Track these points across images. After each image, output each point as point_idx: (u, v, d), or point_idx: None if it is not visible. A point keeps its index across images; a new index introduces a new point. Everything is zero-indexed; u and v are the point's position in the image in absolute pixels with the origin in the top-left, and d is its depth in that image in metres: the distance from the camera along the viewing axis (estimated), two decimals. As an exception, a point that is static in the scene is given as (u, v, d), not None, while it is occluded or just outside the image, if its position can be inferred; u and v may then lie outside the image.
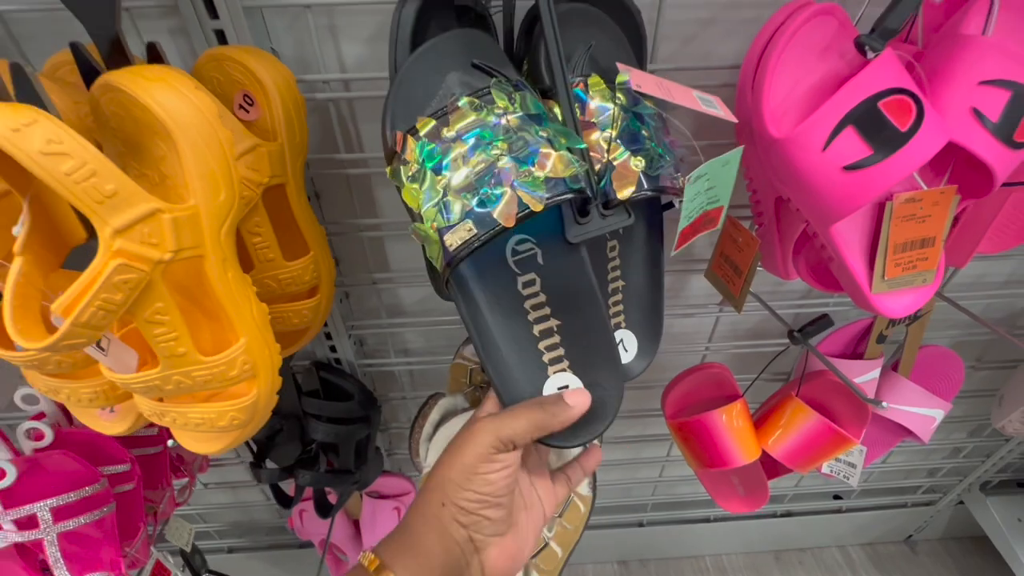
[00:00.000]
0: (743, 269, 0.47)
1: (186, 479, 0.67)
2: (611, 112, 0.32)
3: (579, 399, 0.31)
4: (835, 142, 0.33)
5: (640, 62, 0.39)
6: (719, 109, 0.32)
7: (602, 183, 0.30)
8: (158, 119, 0.27)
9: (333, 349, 0.62)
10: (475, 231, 0.27)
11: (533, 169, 0.27)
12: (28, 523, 0.49)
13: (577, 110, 0.31)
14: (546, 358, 0.34)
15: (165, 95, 0.27)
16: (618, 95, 0.32)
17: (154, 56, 0.35)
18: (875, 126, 0.33)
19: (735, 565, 1.08)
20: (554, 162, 0.27)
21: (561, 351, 0.34)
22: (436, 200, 0.28)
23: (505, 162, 0.27)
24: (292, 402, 0.58)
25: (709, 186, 0.33)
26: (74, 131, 0.25)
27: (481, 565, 0.31)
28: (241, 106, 0.38)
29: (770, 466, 0.62)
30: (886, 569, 1.07)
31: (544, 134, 0.29)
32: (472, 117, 0.28)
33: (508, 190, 0.27)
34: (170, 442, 0.61)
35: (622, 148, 0.31)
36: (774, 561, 1.09)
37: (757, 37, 0.38)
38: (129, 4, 0.40)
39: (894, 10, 0.33)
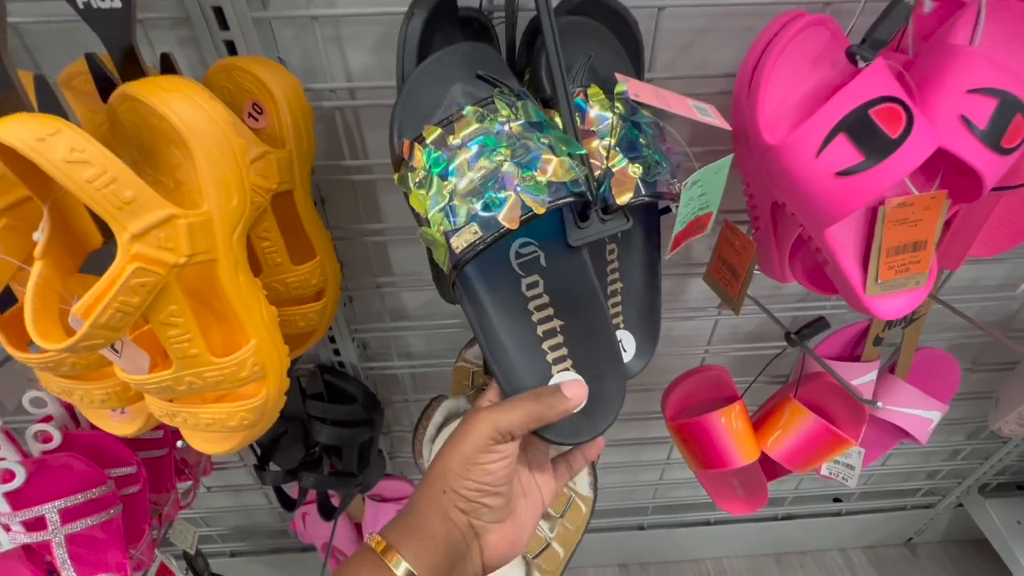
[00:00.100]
0: (740, 272, 0.48)
1: (190, 482, 0.68)
2: (610, 121, 0.33)
3: (576, 390, 0.32)
4: (828, 149, 0.35)
5: (638, 71, 0.40)
6: (713, 117, 0.33)
7: (602, 189, 0.31)
8: (174, 128, 0.28)
9: (337, 352, 0.62)
10: (480, 234, 0.28)
11: (535, 174, 0.28)
12: (36, 524, 0.50)
13: (577, 119, 0.32)
14: (550, 357, 0.34)
15: (181, 105, 0.28)
16: (616, 105, 0.33)
17: (168, 67, 0.36)
18: (866, 133, 0.34)
19: (736, 568, 1.08)
20: (555, 167, 0.28)
21: (564, 350, 0.35)
22: (442, 205, 0.29)
23: (508, 167, 0.28)
24: (296, 405, 0.59)
25: (701, 192, 0.34)
26: (95, 140, 0.26)
27: (481, 550, 0.32)
28: (250, 114, 0.39)
29: (769, 467, 0.63)
30: (887, 572, 1.07)
31: (546, 141, 0.30)
32: (476, 125, 0.29)
33: (512, 194, 0.28)
34: (180, 443, 0.62)
35: (621, 155, 0.32)
36: (775, 564, 1.09)
37: (752, 47, 0.39)
38: (142, 15, 0.41)
39: (883, 22, 0.34)
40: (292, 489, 0.69)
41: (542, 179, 0.28)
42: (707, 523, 1.02)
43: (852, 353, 0.66)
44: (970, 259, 0.48)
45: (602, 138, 0.32)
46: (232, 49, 0.41)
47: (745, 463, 0.58)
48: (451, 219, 0.29)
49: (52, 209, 0.29)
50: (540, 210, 0.28)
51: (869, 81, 0.34)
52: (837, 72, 0.37)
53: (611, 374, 0.35)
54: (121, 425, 0.42)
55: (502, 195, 0.28)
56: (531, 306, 0.34)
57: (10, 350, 0.34)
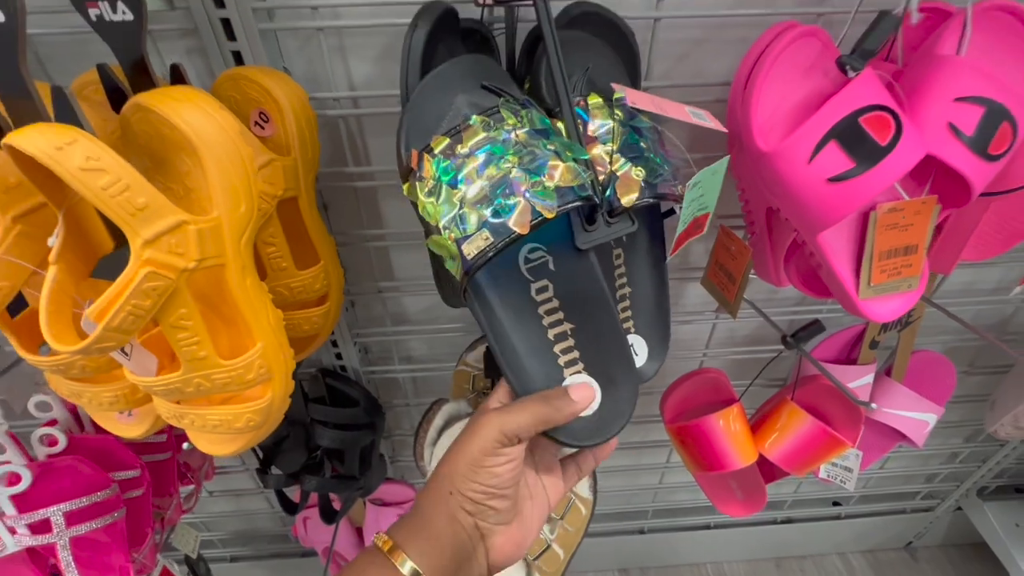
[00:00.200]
0: (736, 276, 0.49)
1: (192, 486, 0.68)
2: (611, 126, 0.33)
3: (583, 393, 0.32)
4: (819, 155, 0.35)
5: (634, 81, 0.41)
6: (709, 121, 0.34)
7: (607, 192, 0.32)
8: (186, 137, 0.29)
9: (339, 356, 0.63)
10: (491, 239, 0.28)
11: (543, 180, 0.29)
12: (41, 527, 0.51)
13: (580, 125, 0.33)
14: (561, 360, 0.35)
15: (192, 115, 0.29)
16: (616, 111, 0.34)
17: (177, 77, 0.37)
18: (857, 140, 0.35)
19: (736, 573, 1.08)
20: (562, 172, 0.29)
21: (576, 353, 0.35)
22: (453, 213, 0.29)
23: (517, 174, 0.29)
24: (299, 408, 0.60)
25: (700, 193, 0.35)
26: (110, 148, 0.26)
27: (487, 551, 0.32)
28: (257, 123, 0.40)
29: (767, 470, 0.63)
30: (887, 576, 1.08)
31: (552, 147, 0.30)
32: (483, 134, 0.30)
33: (521, 199, 0.28)
34: (186, 445, 0.63)
35: (623, 160, 0.33)
36: (775, 569, 1.09)
37: (746, 56, 0.40)
38: (151, 27, 0.42)
39: (872, 33, 0.35)
40: (294, 493, 0.69)
41: (550, 184, 0.29)
42: (707, 527, 1.02)
43: (849, 356, 0.67)
44: (964, 263, 0.49)
45: (604, 143, 0.33)
46: (239, 59, 0.42)
47: (743, 465, 0.59)
48: (461, 226, 0.29)
49: (66, 215, 0.30)
50: (550, 214, 0.28)
51: (859, 90, 0.35)
52: (828, 81, 0.38)
53: (623, 375, 0.35)
54: (128, 427, 0.42)
55: (511, 201, 0.28)
56: (541, 310, 0.35)
57: (22, 353, 0.34)
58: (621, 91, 0.33)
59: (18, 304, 0.37)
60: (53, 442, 0.52)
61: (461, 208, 0.29)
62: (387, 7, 0.42)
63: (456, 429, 0.58)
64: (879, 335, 0.63)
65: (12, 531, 0.50)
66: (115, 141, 0.33)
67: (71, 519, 0.51)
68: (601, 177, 0.32)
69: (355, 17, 0.43)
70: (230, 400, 0.38)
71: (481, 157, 0.30)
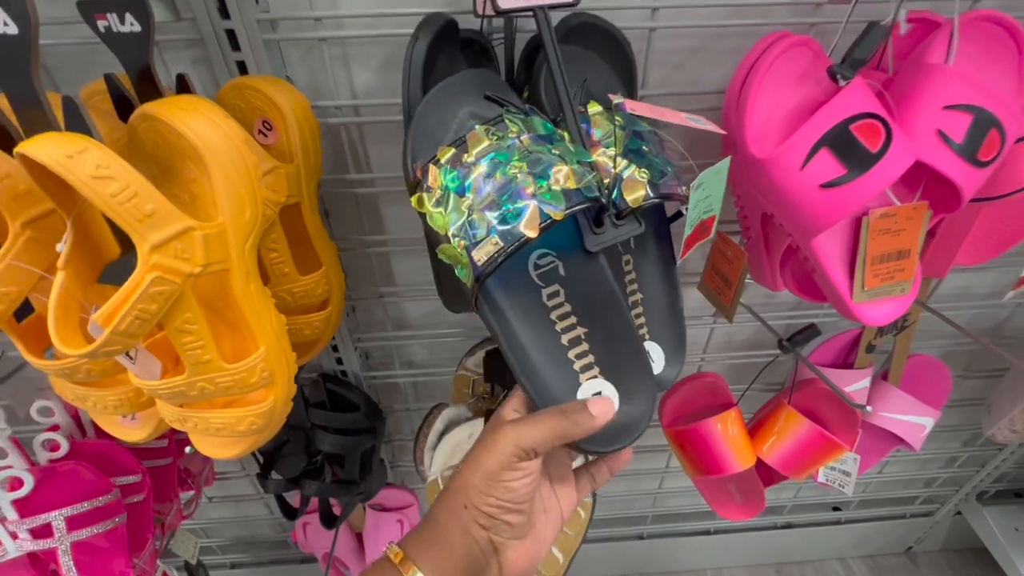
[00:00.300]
0: (733, 281, 0.49)
1: (192, 491, 0.68)
2: (612, 131, 0.34)
3: (602, 408, 0.31)
4: (812, 162, 0.36)
5: (631, 89, 0.42)
6: (706, 124, 0.34)
7: (613, 195, 0.32)
8: (192, 146, 0.30)
9: (340, 361, 0.64)
10: (502, 244, 0.29)
11: (550, 183, 0.29)
12: (43, 532, 0.51)
13: (583, 129, 0.33)
14: (577, 365, 0.34)
15: (199, 124, 0.30)
16: (616, 117, 0.35)
17: (183, 86, 0.38)
18: (848, 147, 0.36)
19: (736, 578, 1.08)
20: (568, 175, 0.30)
21: (591, 357, 0.34)
22: (462, 221, 0.30)
23: (524, 179, 0.29)
24: (299, 413, 0.60)
25: (706, 195, 0.36)
26: (119, 157, 0.27)
27: (500, 566, 0.32)
28: (260, 131, 0.41)
29: (765, 473, 0.64)
30: (887, 581, 1.07)
31: (556, 152, 0.31)
32: (488, 142, 0.31)
33: (531, 203, 0.29)
34: (188, 449, 0.63)
35: (627, 162, 0.33)
36: (775, 574, 1.09)
37: (739, 66, 0.41)
38: (157, 37, 0.43)
39: (861, 43, 0.36)
40: (293, 498, 0.70)
41: (556, 188, 0.29)
42: (707, 532, 1.02)
43: (845, 360, 0.68)
44: (959, 268, 0.50)
45: (607, 147, 0.34)
46: (243, 69, 0.43)
47: (741, 469, 0.59)
48: (471, 233, 0.29)
49: (75, 222, 0.30)
50: (559, 216, 0.28)
51: (849, 98, 0.36)
52: (820, 90, 0.39)
53: (638, 378, 0.34)
54: (132, 431, 0.43)
55: (520, 205, 0.29)
56: (554, 315, 0.35)
57: (28, 357, 0.35)
58: (619, 99, 0.34)
59: (24, 310, 0.37)
60: (55, 447, 0.52)
61: (470, 215, 0.29)
62: (388, 18, 0.42)
63: (456, 433, 0.59)
64: (875, 339, 0.64)
65: (14, 536, 0.50)
66: (122, 149, 0.34)
67: (72, 524, 0.51)
68: (606, 180, 0.32)
69: (357, 28, 0.44)
70: (233, 404, 0.38)
71: (487, 164, 0.30)
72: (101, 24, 0.33)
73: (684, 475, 0.68)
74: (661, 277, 0.41)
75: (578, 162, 0.30)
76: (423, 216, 0.32)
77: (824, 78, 0.39)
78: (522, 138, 0.31)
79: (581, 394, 0.34)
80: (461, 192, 0.30)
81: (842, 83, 0.37)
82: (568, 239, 0.34)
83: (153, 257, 0.29)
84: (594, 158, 0.32)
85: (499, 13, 0.31)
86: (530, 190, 0.29)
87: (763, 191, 0.41)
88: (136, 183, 0.27)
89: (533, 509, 0.33)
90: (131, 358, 0.34)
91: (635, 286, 0.41)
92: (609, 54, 0.40)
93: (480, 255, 0.29)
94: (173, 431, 0.54)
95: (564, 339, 0.34)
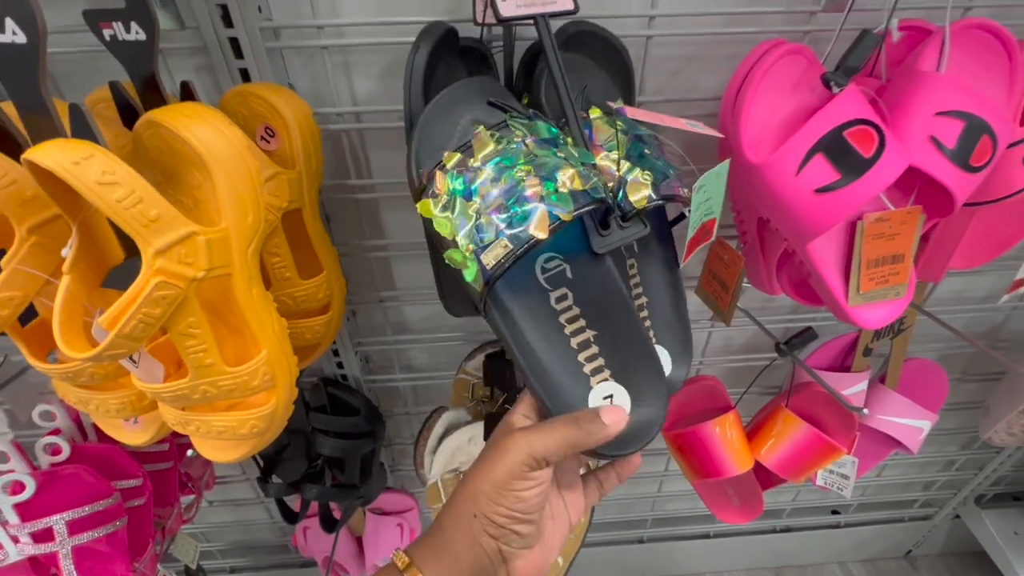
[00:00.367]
0: (730, 285, 0.50)
1: (193, 496, 0.69)
2: (613, 135, 0.34)
3: (615, 416, 0.30)
4: (807, 167, 0.37)
5: (629, 95, 0.43)
6: (704, 128, 0.35)
7: (618, 197, 0.32)
8: (196, 152, 0.30)
9: (340, 365, 0.64)
10: (511, 247, 0.29)
11: (557, 186, 0.29)
12: (44, 536, 0.51)
13: (586, 132, 0.34)
14: (587, 369, 0.34)
15: (203, 130, 0.31)
16: (617, 122, 0.35)
17: (187, 93, 0.38)
18: (842, 153, 0.36)
19: (736, 582, 1.08)
20: (574, 177, 0.30)
21: (601, 361, 0.34)
22: (470, 225, 0.30)
23: (530, 181, 0.29)
24: (299, 417, 0.60)
25: (707, 197, 0.36)
26: (124, 163, 0.28)
27: (508, 575, 0.31)
28: (263, 137, 0.41)
29: (764, 476, 0.64)
30: (886, 585, 1.07)
31: (561, 155, 0.31)
32: (494, 146, 0.31)
33: (539, 205, 0.29)
34: (190, 452, 0.63)
35: (630, 164, 0.34)
36: (775, 578, 1.09)
37: (735, 73, 0.42)
38: (162, 45, 0.44)
39: (854, 51, 0.36)
40: (294, 502, 0.70)
41: (564, 190, 0.29)
42: (706, 536, 1.02)
43: (843, 364, 0.68)
44: (954, 272, 0.50)
45: (609, 151, 0.34)
46: (246, 76, 0.43)
47: (739, 472, 0.59)
48: (479, 237, 0.29)
49: (80, 227, 0.31)
50: (567, 217, 0.29)
51: (843, 105, 0.37)
52: (814, 96, 0.40)
53: (649, 379, 0.34)
54: (134, 434, 0.43)
55: (528, 207, 0.29)
56: (563, 319, 0.35)
57: (31, 361, 0.35)
58: (619, 105, 0.34)
59: (28, 314, 0.38)
60: (57, 451, 0.52)
61: (478, 219, 0.29)
62: (388, 27, 0.43)
63: (456, 437, 0.59)
64: (872, 342, 0.64)
65: (15, 540, 0.50)
66: (126, 155, 0.34)
67: (73, 528, 0.51)
68: (610, 183, 0.32)
69: (358, 36, 0.45)
70: (235, 407, 0.38)
71: (493, 168, 0.30)
72: (107, 32, 0.33)
73: (683, 478, 0.68)
74: (665, 280, 0.41)
75: (582, 164, 0.31)
76: (426, 221, 0.32)
77: (818, 85, 0.39)
78: (527, 142, 0.31)
79: (592, 398, 0.34)
80: (468, 196, 0.30)
81: (836, 90, 0.38)
82: (574, 242, 0.34)
83: (157, 262, 0.29)
84: (597, 161, 0.33)
85: (500, 21, 0.31)
86: (537, 192, 0.29)
87: (759, 196, 0.41)
88: (141, 189, 0.28)
89: (542, 517, 0.33)
90: (134, 362, 0.34)
91: (640, 290, 0.41)
92: (607, 61, 0.41)
93: (489, 259, 0.29)
94: (174, 435, 0.55)
95: (574, 342, 0.34)
